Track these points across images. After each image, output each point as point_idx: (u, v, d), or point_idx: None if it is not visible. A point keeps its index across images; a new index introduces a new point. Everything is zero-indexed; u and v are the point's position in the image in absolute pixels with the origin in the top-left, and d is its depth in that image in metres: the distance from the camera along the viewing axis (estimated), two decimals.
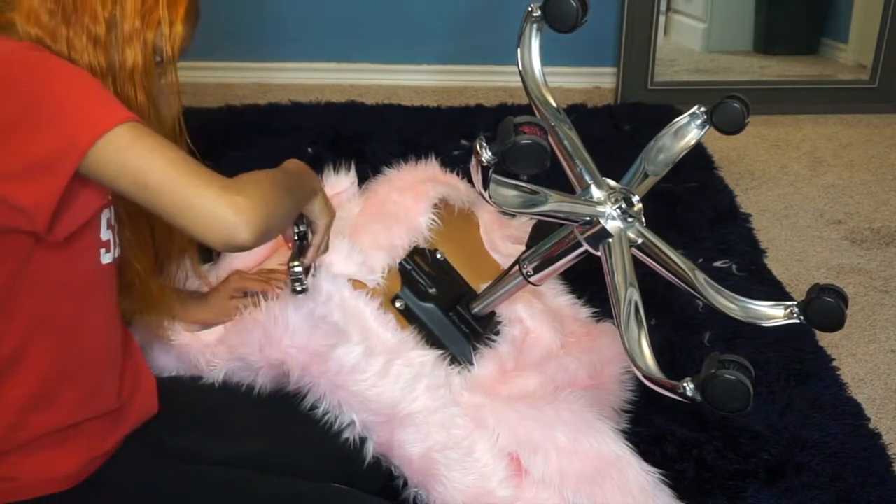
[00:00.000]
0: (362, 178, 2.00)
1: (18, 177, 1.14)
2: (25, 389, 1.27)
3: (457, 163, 2.25)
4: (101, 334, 1.35)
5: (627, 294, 1.55)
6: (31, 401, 1.28)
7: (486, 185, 1.43)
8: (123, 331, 1.42)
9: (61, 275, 1.26)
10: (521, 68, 1.77)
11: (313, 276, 1.55)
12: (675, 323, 2.18)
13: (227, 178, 1.19)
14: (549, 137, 1.69)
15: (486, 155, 1.37)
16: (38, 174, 1.14)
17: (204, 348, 1.60)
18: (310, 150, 2.86)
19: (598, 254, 1.63)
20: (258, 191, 1.20)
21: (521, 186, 1.53)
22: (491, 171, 1.40)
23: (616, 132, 3.07)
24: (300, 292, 1.51)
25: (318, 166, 1.94)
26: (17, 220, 1.16)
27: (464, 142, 2.93)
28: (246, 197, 1.17)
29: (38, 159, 1.14)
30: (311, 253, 1.50)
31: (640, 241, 1.64)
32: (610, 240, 1.61)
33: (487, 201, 1.46)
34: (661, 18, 3.33)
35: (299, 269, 1.49)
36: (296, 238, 1.50)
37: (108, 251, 1.31)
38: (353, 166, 1.95)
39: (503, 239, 2.04)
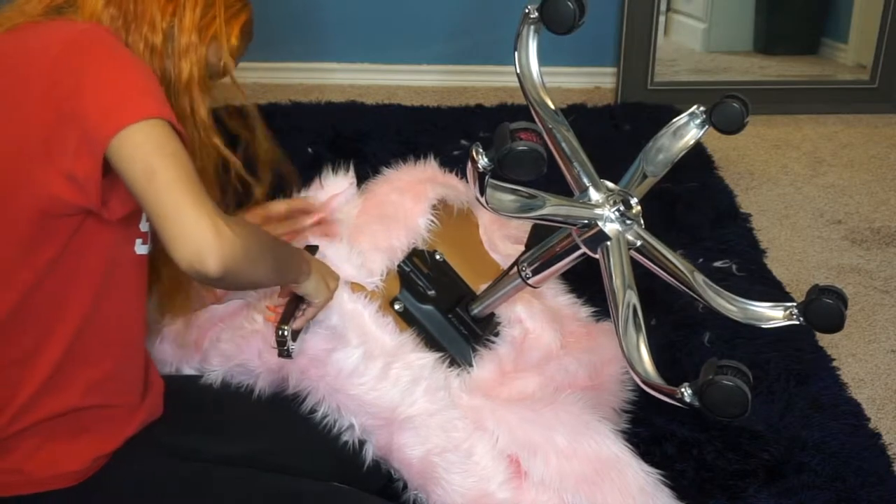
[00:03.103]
0: (362, 178, 1.99)
1: (75, 151, 1.18)
2: (43, 369, 1.29)
3: (457, 163, 2.25)
4: (120, 323, 1.36)
5: (626, 298, 1.54)
6: (45, 381, 1.29)
7: (482, 191, 1.43)
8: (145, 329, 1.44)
9: (100, 259, 1.29)
10: (518, 71, 1.77)
11: (302, 338, 1.54)
12: (675, 323, 2.18)
13: (225, 215, 1.20)
14: (547, 140, 1.70)
15: (483, 161, 1.37)
16: (83, 149, 1.17)
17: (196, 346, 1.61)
18: (310, 150, 2.85)
19: (597, 256, 1.63)
20: (245, 234, 1.21)
21: (518, 191, 1.53)
22: (487, 177, 1.40)
23: (616, 132, 3.07)
24: (284, 356, 1.48)
25: (317, 166, 1.95)
26: (78, 198, 1.20)
27: (464, 142, 2.92)
28: (231, 231, 1.17)
29: (80, 137, 1.17)
30: (300, 321, 1.49)
31: (638, 243, 1.63)
32: (608, 243, 1.61)
33: (485, 206, 1.46)
34: (661, 18, 3.32)
35: (287, 332, 1.46)
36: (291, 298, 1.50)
37: (144, 243, 1.34)
38: (351, 167, 1.94)
39: (502, 239, 2.04)
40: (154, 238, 1.35)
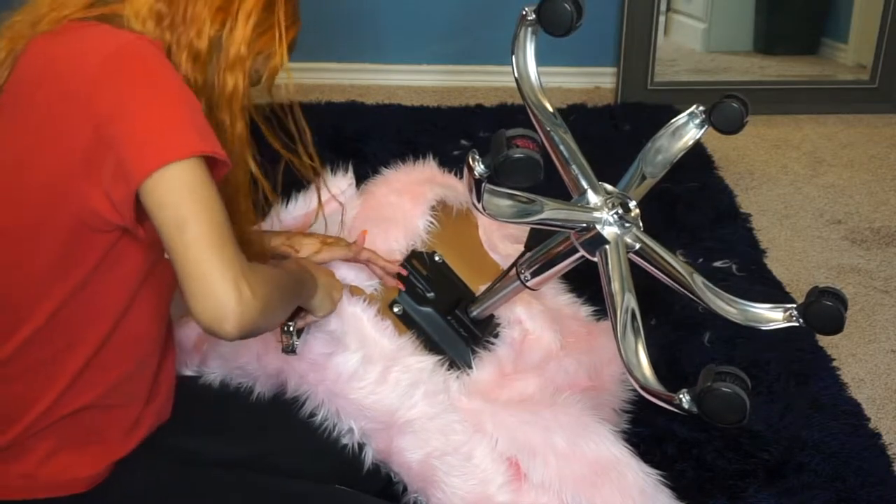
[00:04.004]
0: (362, 178, 1.99)
1: (112, 176, 1.16)
2: (68, 374, 1.29)
3: (457, 163, 2.24)
4: (146, 328, 1.35)
5: (624, 302, 1.54)
6: (68, 384, 1.29)
7: (479, 198, 1.43)
8: (167, 332, 1.43)
9: (134, 271, 1.28)
10: (516, 73, 1.76)
11: (304, 338, 1.54)
12: (675, 323, 2.18)
13: (248, 263, 1.19)
14: (545, 143, 1.70)
15: (479, 168, 1.36)
16: (119, 178, 1.16)
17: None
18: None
19: (595, 260, 1.62)
20: (267, 294, 1.19)
21: (516, 196, 1.52)
22: (484, 184, 1.40)
23: (616, 132, 3.07)
24: (289, 352, 1.49)
25: None
26: (115, 216, 1.19)
27: (464, 142, 2.93)
28: (254, 295, 1.15)
29: (117, 165, 1.15)
30: (301, 322, 1.50)
31: (637, 246, 1.63)
32: (606, 246, 1.60)
33: (482, 213, 1.45)
34: (661, 18, 3.33)
35: (292, 328, 1.47)
36: None
37: None
38: (350, 167, 1.94)
39: (502, 239, 2.04)
40: None
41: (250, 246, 1.40)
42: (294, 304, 1.39)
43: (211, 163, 1.19)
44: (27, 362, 1.28)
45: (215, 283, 1.13)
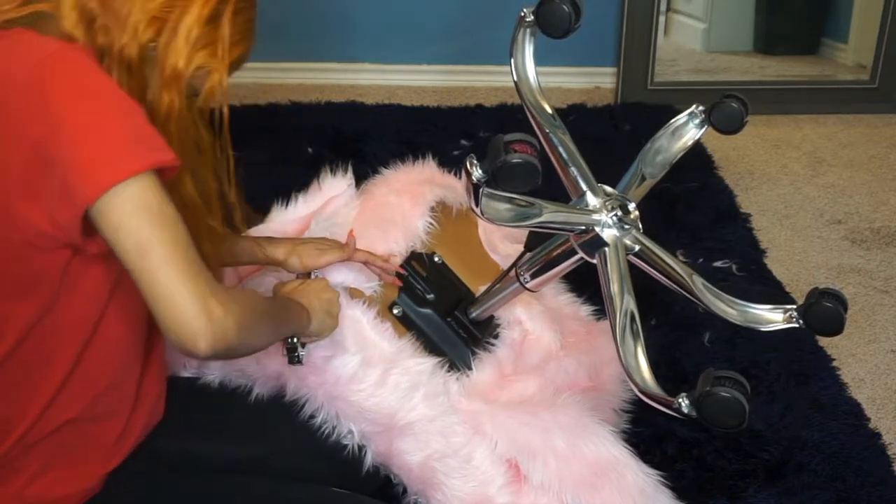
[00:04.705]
0: (362, 179, 1.99)
1: (57, 196, 1.11)
2: (48, 391, 1.27)
3: (457, 163, 2.23)
4: (125, 338, 1.32)
5: (623, 304, 1.54)
6: (49, 401, 1.27)
7: (477, 202, 1.42)
8: (150, 333, 1.39)
9: (99, 285, 1.24)
10: (514, 75, 1.76)
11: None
12: (675, 323, 2.18)
13: (217, 283, 1.15)
14: (544, 145, 1.70)
15: (477, 173, 1.36)
16: (64, 200, 1.11)
17: None
18: (310, 150, 2.86)
19: (595, 262, 1.62)
20: (239, 310, 1.16)
21: (514, 199, 1.51)
22: (482, 188, 1.39)
23: (616, 132, 3.07)
24: (295, 363, 1.47)
25: (317, 166, 1.95)
26: (62, 235, 1.14)
27: (464, 142, 2.93)
28: (225, 312, 1.13)
29: (61, 187, 1.10)
30: (306, 337, 1.48)
31: (636, 248, 1.63)
32: (606, 248, 1.60)
33: (480, 217, 1.45)
34: (661, 18, 3.33)
35: (297, 339, 1.46)
36: None
37: None
38: (350, 168, 1.94)
39: (502, 239, 2.04)
40: None
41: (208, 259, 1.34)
42: (279, 330, 1.36)
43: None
44: (3, 383, 1.25)
45: (185, 305, 1.10)
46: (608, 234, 1.61)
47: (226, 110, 1.26)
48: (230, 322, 1.13)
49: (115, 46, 1.17)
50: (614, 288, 1.56)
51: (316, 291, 1.48)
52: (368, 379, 1.54)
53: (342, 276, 1.67)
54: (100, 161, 1.09)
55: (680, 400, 1.37)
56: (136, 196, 1.09)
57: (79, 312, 1.24)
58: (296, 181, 1.93)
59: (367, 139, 2.93)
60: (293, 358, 1.46)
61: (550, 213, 1.57)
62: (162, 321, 1.12)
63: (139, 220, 1.09)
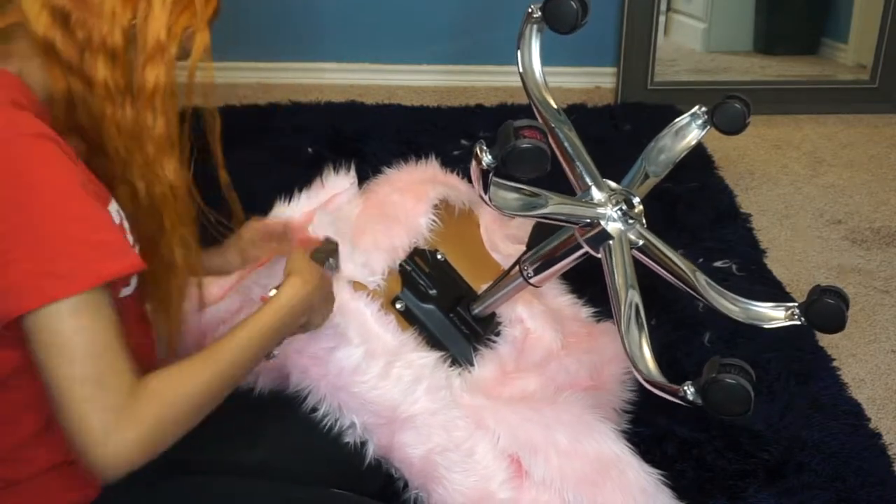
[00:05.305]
0: (362, 179, 2.00)
1: None
2: (32, 428, 1.24)
3: (457, 163, 2.25)
4: None
5: (628, 296, 1.54)
6: (35, 437, 1.24)
7: (486, 189, 1.43)
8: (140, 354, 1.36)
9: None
10: (521, 70, 1.77)
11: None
12: (676, 323, 2.18)
13: (137, 393, 1.10)
14: (550, 139, 1.70)
15: (487, 159, 1.36)
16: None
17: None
18: (310, 150, 2.85)
19: (599, 256, 1.63)
20: (158, 417, 1.11)
21: (522, 189, 1.53)
22: (491, 174, 1.40)
23: (616, 132, 3.07)
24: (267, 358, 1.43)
25: (318, 166, 1.95)
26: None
27: (464, 142, 2.92)
28: (135, 436, 1.09)
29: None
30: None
31: (640, 242, 1.64)
32: (610, 242, 1.61)
33: (488, 204, 1.46)
34: (661, 18, 3.33)
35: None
36: None
37: (125, 285, 1.24)
38: (353, 166, 1.94)
39: (503, 239, 2.04)
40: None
41: (173, 269, 1.32)
42: (242, 374, 1.27)
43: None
44: None
45: (91, 426, 1.07)
46: (613, 227, 1.61)
47: (211, 82, 1.25)
48: (139, 449, 1.09)
49: (96, 37, 1.15)
50: (619, 280, 1.57)
51: (308, 291, 1.39)
52: (371, 371, 1.54)
53: (345, 270, 1.67)
54: (38, 274, 1.06)
55: (685, 388, 1.37)
56: (66, 317, 1.07)
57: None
58: (296, 181, 1.92)
59: (367, 139, 2.93)
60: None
61: (556, 205, 1.58)
62: (67, 432, 1.09)
63: (62, 339, 1.07)
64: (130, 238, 1.24)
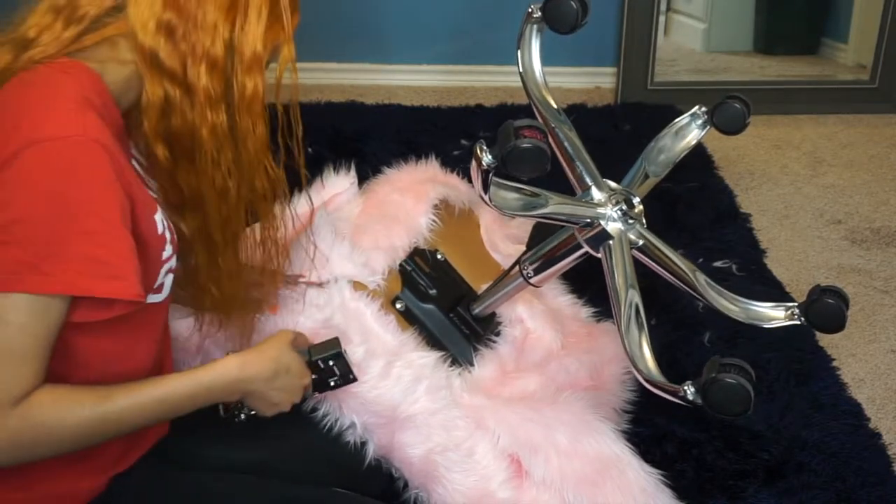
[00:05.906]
0: (362, 179, 2.00)
1: None
2: None
3: (457, 163, 2.25)
4: (136, 366, 1.31)
5: (628, 296, 1.54)
6: None
7: (486, 189, 1.43)
8: (161, 356, 1.39)
9: (106, 340, 1.24)
10: (521, 70, 1.77)
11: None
12: (676, 323, 2.18)
13: (19, 402, 1.13)
14: (550, 139, 1.70)
15: (487, 159, 1.36)
16: None
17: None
18: (310, 150, 2.85)
19: (599, 255, 1.63)
20: (12, 439, 1.14)
21: (522, 189, 1.53)
22: (491, 174, 1.40)
23: (616, 132, 3.07)
24: (227, 418, 1.42)
25: (318, 166, 1.95)
26: None
27: (464, 142, 2.92)
28: (4, 426, 1.12)
29: None
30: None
31: (640, 242, 1.64)
32: (610, 241, 1.61)
33: (488, 204, 1.46)
34: (661, 18, 3.33)
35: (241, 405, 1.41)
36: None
37: (157, 292, 1.28)
38: (353, 166, 1.95)
39: (504, 239, 2.05)
40: (182, 256, 1.32)
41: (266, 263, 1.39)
42: (134, 423, 1.25)
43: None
44: None
45: None
46: (613, 227, 1.62)
47: (296, 82, 1.29)
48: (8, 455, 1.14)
49: (199, 48, 1.20)
50: (619, 280, 1.57)
51: (271, 378, 1.37)
52: (372, 370, 1.55)
53: (345, 269, 1.67)
54: (21, 263, 1.10)
55: (685, 387, 1.37)
56: (19, 309, 1.11)
57: (93, 358, 1.24)
58: (296, 181, 1.92)
59: (367, 139, 2.93)
60: (229, 417, 1.41)
61: (556, 205, 1.58)
62: None
63: None
64: (170, 248, 1.27)
